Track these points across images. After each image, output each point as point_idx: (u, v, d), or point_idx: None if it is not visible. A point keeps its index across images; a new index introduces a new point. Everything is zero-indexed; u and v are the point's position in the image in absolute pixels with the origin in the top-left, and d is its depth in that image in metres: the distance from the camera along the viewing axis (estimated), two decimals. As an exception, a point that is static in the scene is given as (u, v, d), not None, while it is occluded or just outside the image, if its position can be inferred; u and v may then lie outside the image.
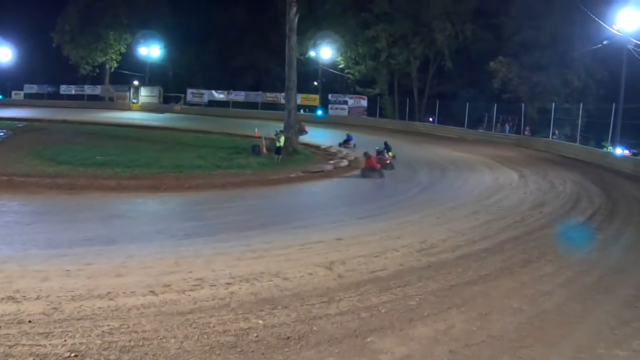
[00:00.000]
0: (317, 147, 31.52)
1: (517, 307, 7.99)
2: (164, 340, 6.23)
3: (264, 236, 11.44)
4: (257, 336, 6.47)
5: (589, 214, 16.14)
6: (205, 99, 63.43)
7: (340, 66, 56.36)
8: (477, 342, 6.74)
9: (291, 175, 21.34)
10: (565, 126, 40.09)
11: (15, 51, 66.67)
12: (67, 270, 8.54)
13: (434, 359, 6.25)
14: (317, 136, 35.65)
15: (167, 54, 66.19)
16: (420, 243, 11.34)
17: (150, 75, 67.08)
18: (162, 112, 58.64)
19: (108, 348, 5.97)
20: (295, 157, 26.28)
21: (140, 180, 18.45)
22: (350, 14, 53.21)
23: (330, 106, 57.46)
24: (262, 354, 6.09)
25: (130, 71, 66.01)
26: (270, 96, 59.79)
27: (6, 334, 6.17)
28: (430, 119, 51.48)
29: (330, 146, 31.81)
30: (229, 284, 8.19)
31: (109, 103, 66.11)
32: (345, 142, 33.63)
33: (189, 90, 64.07)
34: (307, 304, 7.54)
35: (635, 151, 33.07)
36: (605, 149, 33.53)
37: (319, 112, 55.75)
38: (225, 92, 62.55)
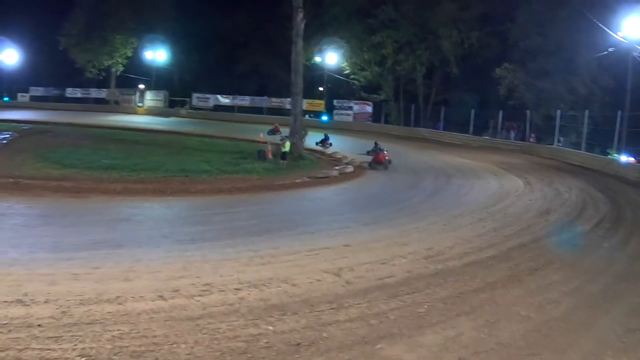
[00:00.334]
0: (322, 153, 31.57)
1: (525, 315, 8.00)
2: (175, 345, 6.23)
3: (270, 242, 11.40)
4: (267, 342, 6.46)
5: (594, 221, 16.11)
6: (211, 103, 63.73)
7: (346, 72, 56.46)
8: (486, 349, 6.75)
9: (297, 181, 21.28)
10: (571, 133, 40.02)
11: (21, 54, 67.16)
12: (75, 274, 8.52)
13: (444, 366, 6.26)
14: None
15: (173, 58, 66.42)
16: (427, 250, 11.33)
17: (156, 79, 67.28)
18: (168, 116, 58.79)
19: (119, 353, 5.96)
20: (301, 162, 26.23)
21: (146, 184, 18.40)
22: (356, 20, 53.35)
23: (335, 112, 57.64)
24: (273, 360, 6.10)
25: (136, 75, 66.29)
26: (275, 101, 59.97)
27: (16, 338, 6.16)
28: (437, 126, 51.32)
29: (336, 152, 31.82)
30: (237, 289, 8.19)
31: (115, 106, 66.43)
32: (323, 142, 34.22)
33: (195, 95, 64.40)
34: (317, 311, 7.54)
35: (641, 158, 33.02)
36: (610, 157, 33.46)
37: (324, 118, 55.78)
38: (231, 96, 62.80)
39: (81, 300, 7.38)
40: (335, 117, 56.84)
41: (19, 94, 71.73)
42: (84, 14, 62.76)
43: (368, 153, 30.02)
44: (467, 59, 50.56)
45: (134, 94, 67.21)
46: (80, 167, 20.23)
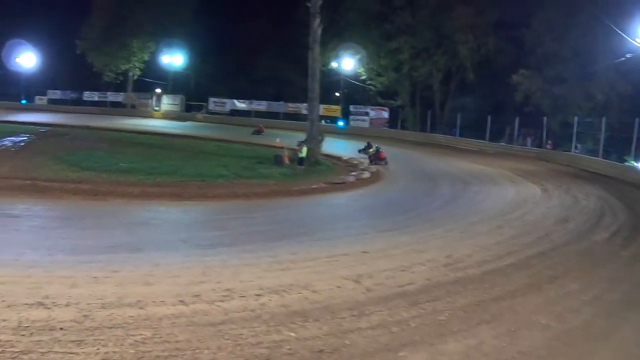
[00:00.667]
0: (339, 158, 31.55)
1: (545, 324, 7.92)
2: (197, 351, 6.22)
3: (289, 247, 11.40)
4: (290, 349, 6.45)
5: (613, 229, 15.90)
6: (228, 108, 63.91)
7: (362, 77, 56.36)
8: (507, 358, 6.72)
9: (313, 187, 21.32)
10: (588, 140, 39.71)
11: (39, 57, 67.82)
12: (95, 277, 8.56)
13: (466, 374, 6.23)
14: (337, 147, 35.82)
15: (189, 63, 66.71)
16: (446, 257, 11.26)
17: (173, 83, 67.67)
18: (184, 120, 58.99)
19: (142, 358, 5.97)
20: (318, 168, 26.25)
21: (163, 188, 18.51)
22: (373, 26, 53.29)
23: (351, 117, 57.55)
24: (296, 367, 6.09)
25: (153, 79, 66.69)
26: (292, 106, 60.08)
27: (38, 341, 6.18)
28: (453, 132, 51.17)
29: (352, 157, 31.82)
30: (258, 295, 8.17)
31: (132, 110, 66.78)
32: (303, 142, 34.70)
33: (211, 99, 64.63)
34: (338, 317, 7.51)
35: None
36: (627, 164, 33.16)
37: (340, 123, 55.83)
38: (247, 101, 62.90)
39: (102, 304, 7.39)
40: (352, 123, 56.75)
41: (37, 97, 72.40)
42: (102, 18, 63.29)
43: (360, 151, 31.81)
44: (484, 64, 50.29)
45: (151, 98, 67.57)
46: (98, 170, 20.36)
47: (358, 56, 54.80)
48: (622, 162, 33.88)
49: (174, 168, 22.41)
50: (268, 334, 6.81)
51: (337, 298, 8.34)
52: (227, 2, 61.90)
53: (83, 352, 6.00)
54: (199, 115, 61.49)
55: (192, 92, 67.29)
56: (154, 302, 7.60)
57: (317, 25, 28.24)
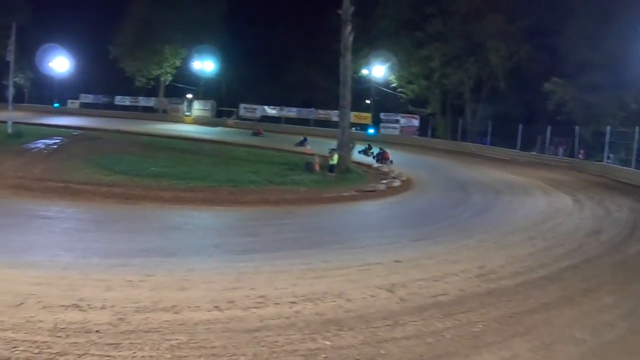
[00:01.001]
0: (369, 166, 31.47)
1: (580, 337, 7.80)
2: (234, 357, 6.21)
3: (321, 255, 11.39)
4: (325, 357, 6.42)
5: (647, 242, 15.69)
6: (258, 114, 64.21)
7: (393, 85, 56.27)
8: (542, 372, 6.60)
9: (344, 194, 21.25)
10: (620, 150, 39.10)
11: (72, 61, 68.76)
12: (129, 281, 8.63)
13: (503, 387, 6.16)
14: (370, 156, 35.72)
15: (220, 69, 67.15)
16: (479, 268, 11.14)
17: (204, 89, 68.12)
18: (215, 125, 59.31)
19: (178, 363, 6.01)
20: (348, 175, 26.12)
21: (195, 192, 18.61)
22: (404, 33, 53.12)
23: (382, 125, 57.42)
24: (333, 376, 6.06)
25: (184, 84, 67.31)
26: (322, 113, 60.17)
27: (75, 343, 6.23)
28: (484, 140, 50.80)
29: (382, 165, 31.75)
30: (292, 302, 8.15)
31: (163, 115, 67.48)
32: (301, 143, 36.33)
33: (242, 105, 65.03)
34: (373, 327, 7.45)
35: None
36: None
37: (371, 131, 55.61)
38: (278, 107, 63.15)
39: (137, 307, 7.44)
40: (382, 130, 56.56)
41: (69, 101, 73.52)
42: (134, 25, 64.17)
43: (360, 152, 32.36)
44: (515, 72, 49.84)
45: (182, 103, 68.15)
46: (130, 174, 20.58)
47: (389, 63, 54.73)
48: (656, 173, 33.34)
49: (206, 173, 22.52)
50: (303, 342, 6.78)
51: (371, 307, 8.28)
52: (258, 8, 62.46)
53: (120, 356, 6.03)
54: (230, 121, 61.81)
55: (223, 98, 67.81)
56: (189, 307, 7.62)
57: (348, 33, 28.26)
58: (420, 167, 30.76)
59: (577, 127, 42.28)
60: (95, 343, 6.27)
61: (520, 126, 45.77)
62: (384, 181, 24.76)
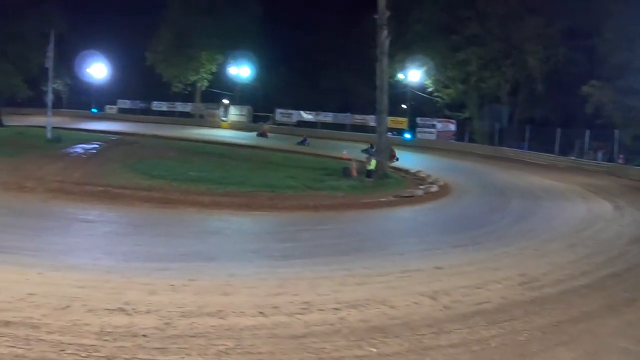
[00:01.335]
0: (407, 172, 31.34)
1: (624, 347, 7.65)
2: (281, 363, 6.23)
3: (362, 261, 11.34)
4: (372, 364, 6.39)
5: (691, 251, 15.33)
6: (294, 119, 64.39)
7: (429, 89, 55.84)
8: (588, 382, 6.49)
9: (382, 200, 21.18)
10: (661, 154, 38.48)
11: (110, 68, 69.73)
12: (172, 285, 8.67)
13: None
14: (407, 160, 35.73)
15: (256, 74, 67.36)
16: (521, 276, 10.96)
17: (240, 94, 68.48)
18: (252, 130, 59.60)
19: (226, 368, 6.00)
20: (386, 181, 26.07)
21: (233, 197, 18.75)
22: (440, 37, 52.69)
23: (418, 130, 56.96)
24: (380, 383, 6.01)
25: (220, 90, 67.73)
26: (358, 118, 59.91)
27: (122, 347, 6.25)
28: (522, 145, 50.17)
29: (419, 170, 31.57)
30: (336, 309, 8.10)
31: (199, 120, 68.07)
32: (302, 143, 38.78)
33: (278, 110, 65.28)
34: (417, 334, 7.38)
35: None
36: None
37: (407, 136, 55.28)
38: (314, 112, 63.26)
39: (182, 312, 7.45)
40: (418, 135, 56.14)
41: (107, 106, 74.74)
42: (171, 31, 65.00)
43: (362, 151, 31.25)
44: (553, 75, 49.04)
45: (218, 108, 68.63)
46: (168, 179, 20.80)
47: (425, 68, 54.32)
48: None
49: (243, 178, 22.65)
50: (349, 349, 6.73)
51: (416, 314, 8.21)
52: (293, 14, 62.48)
53: (167, 360, 6.06)
54: (266, 126, 62.02)
55: (259, 103, 68.08)
56: (234, 312, 7.61)
57: (384, 37, 28.24)
58: (457, 173, 30.51)
59: (616, 131, 41.51)
60: (143, 347, 6.28)
61: (558, 130, 45.13)
62: (421, 187, 24.64)
